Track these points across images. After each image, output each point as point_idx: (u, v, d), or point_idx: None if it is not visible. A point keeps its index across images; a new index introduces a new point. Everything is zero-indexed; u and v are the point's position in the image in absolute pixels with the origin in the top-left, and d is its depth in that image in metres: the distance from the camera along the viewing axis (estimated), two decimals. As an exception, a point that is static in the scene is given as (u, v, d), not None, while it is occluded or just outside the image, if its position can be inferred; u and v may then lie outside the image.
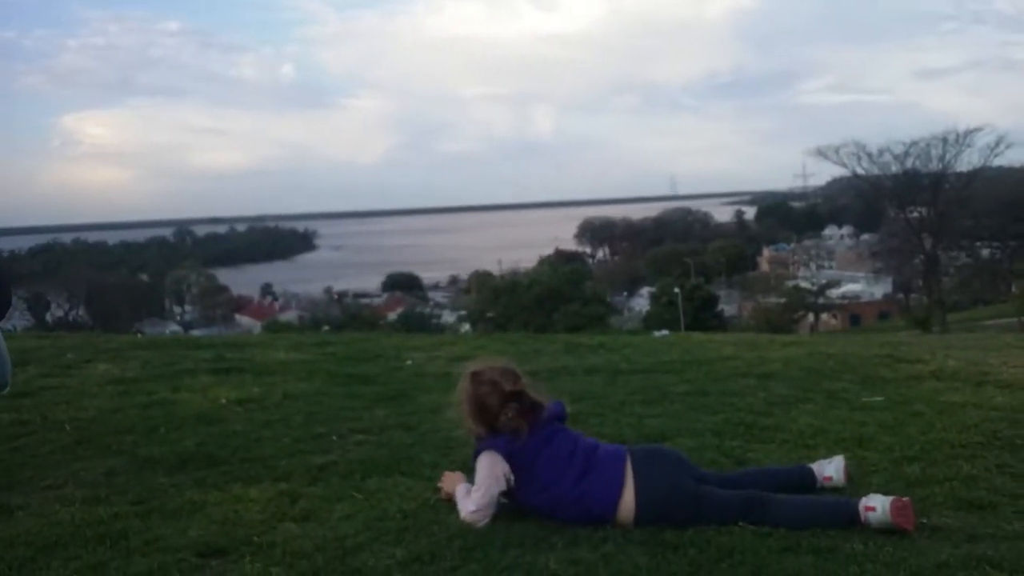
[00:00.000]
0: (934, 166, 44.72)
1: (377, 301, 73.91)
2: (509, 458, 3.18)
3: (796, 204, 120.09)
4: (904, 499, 2.94)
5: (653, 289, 56.31)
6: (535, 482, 3.16)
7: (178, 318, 72.89)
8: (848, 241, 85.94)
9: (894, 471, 3.54)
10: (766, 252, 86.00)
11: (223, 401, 5.27)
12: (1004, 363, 6.11)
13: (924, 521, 2.97)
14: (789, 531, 2.91)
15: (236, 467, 3.89)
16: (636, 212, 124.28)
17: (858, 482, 3.41)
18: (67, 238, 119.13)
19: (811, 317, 54.19)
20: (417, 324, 47.52)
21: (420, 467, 3.79)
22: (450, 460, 3.86)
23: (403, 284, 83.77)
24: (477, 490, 3.15)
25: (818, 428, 4.24)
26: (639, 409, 4.81)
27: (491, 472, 3.16)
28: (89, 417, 4.92)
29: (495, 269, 74.69)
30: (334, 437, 4.36)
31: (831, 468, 3.38)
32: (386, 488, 3.53)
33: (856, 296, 60.56)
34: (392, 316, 57.57)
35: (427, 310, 62.59)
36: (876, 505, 2.93)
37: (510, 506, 3.22)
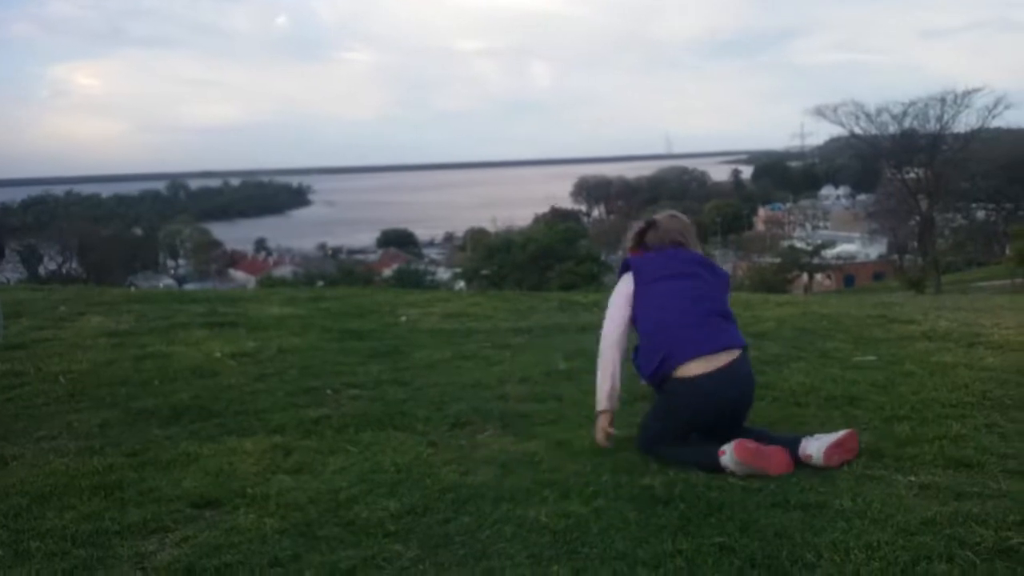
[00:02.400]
0: (932, 127, 44.45)
1: (372, 257, 73.92)
2: (635, 272, 3.55)
3: (793, 164, 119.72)
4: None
5: (648, 248, 56.15)
6: (645, 305, 3.49)
7: (172, 272, 72.81)
8: (844, 201, 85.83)
9: (884, 429, 3.57)
10: (762, 212, 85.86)
11: (217, 355, 5.27)
12: (996, 324, 6.13)
13: (912, 479, 3.01)
14: (778, 486, 2.94)
15: (230, 420, 3.90)
16: (632, 171, 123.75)
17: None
18: (59, 190, 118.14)
19: (805, 277, 54.28)
20: (411, 281, 47.48)
21: (413, 422, 3.81)
22: (443, 415, 3.89)
23: (398, 240, 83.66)
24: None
25: (810, 387, 4.26)
26: (631, 366, 4.81)
27: (617, 295, 3.59)
28: (83, 369, 4.93)
29: (490, 227, 74.50)
30: (328, 391, 4.38)
31: (813, 447, 3.20)
32: (379, 442, 3.54)
33: (851, 256, 60.65)
34: (387, 272, 57.53)
35: (422, 267, 62.49)
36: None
37: (502, 456, 3.25)
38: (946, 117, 43.73)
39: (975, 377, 4.44)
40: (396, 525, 2.72)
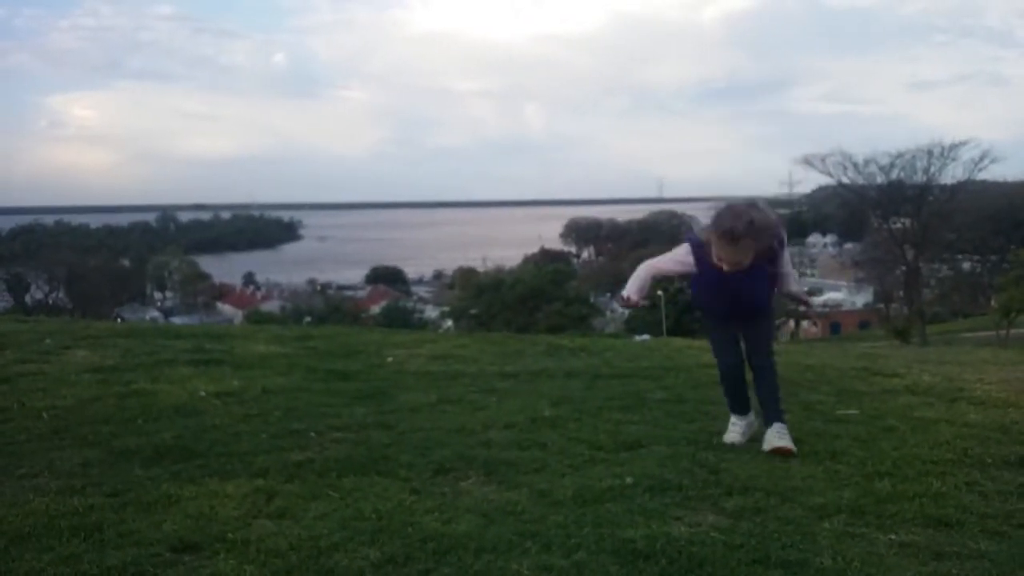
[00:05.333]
0: (919, 178, 45.01)
1: (360, 294, 73.86)
2: None
3: (781, 211, 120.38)
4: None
5: (636, 291, 56.29)
6: None
7: (159, 304, 72.57)
8: (831, 249, 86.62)
9: (865, 486, 3.59)
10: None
11: (202, 393, 5.26)
12: (979, 379, 6.18)
13: (892, 537, 3.02)
14: (759, 542, 2.95)
15: (212, 461, 3.88)
16: (622, 213, 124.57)
17: (830, 495, 3.46)
18: (49, 220, 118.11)
19: (792, 324, 54.49)
20: (400, 319, 47.51)
21: (396, 467, 3.80)
22: (427, 461, 3.88)
23: (387, 277, 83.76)
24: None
25: (793, 440, 4.27)
26: (617, 415, 4.84)
27: None
28: (66, 406, 4.90)
29: (479, 266, 74.65)
30: (312, 434, 4.36)
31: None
32: (362, 488, 3.53)
33: (837, 304, 61.03)
34: (375, 309, 57.50)
35: (410, 304, 62.44)
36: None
37: (485, 505, 3.25)
38: (933, 169, 44.34)
39: (956, 434, 4.47)
40: (376, 575, 2.71)
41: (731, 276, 4.03)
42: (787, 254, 4.28)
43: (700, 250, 4.10)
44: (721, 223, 3.93)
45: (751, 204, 4.04)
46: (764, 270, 4.11)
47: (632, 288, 4.24)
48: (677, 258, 4.25)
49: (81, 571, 2.72)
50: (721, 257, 3.98)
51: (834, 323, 56.74)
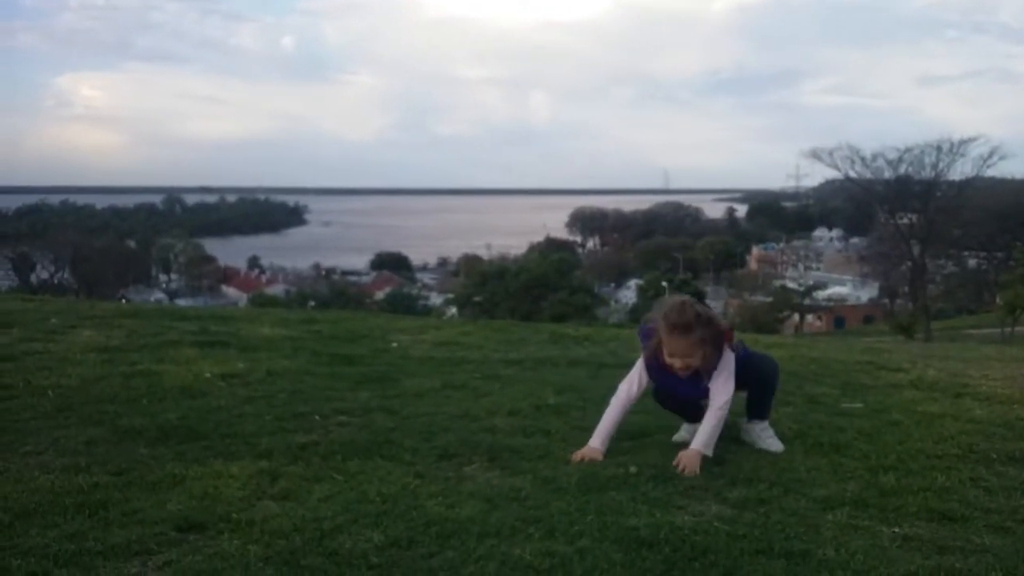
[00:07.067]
0: (927, 174, 44.88)
1: (365, 279, 73.96)
2: None
3: (788, 204, 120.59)
4: None
5: (641, 282, 56.47)
6: None
7: (164, 286, 72.71)
8: (837, 244, 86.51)
9: (869, 479, 3.58)
10: (755, 250, 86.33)
11: (207, 375, 5.26)
12: (984, 375, 6.17)
13: (896, 531, 3.02)
14: (763, 532, 2.95)
15: (217, 442, 3.89)
16: (628, 204, 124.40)
17: (834, 488, 3.46)
18: (55, 199, 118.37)
19: (796, 317, 54.46)
20: (404, 305, 47.55)
21: (400, 451, 3.81)
22: (431, 446, 3.88)
23: (391, 264, 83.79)
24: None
25: (797, 432, 4.27)
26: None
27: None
28: (72, 384, 4.91)
29: (484, 253, 74.64)
30: (316, 417, 4.37)
31: None
32: (366, 471, 3.54)
33: (842, 299, 60.99)
34: (379, 295, 57.57)
35: (414, 291, 62.50)
36: None
37: (488, 490, 3.25)
38: (941, 165, 44.21)
39: (961, 429, 4.46)
40: (380, 557, 2.71)
41: (680, 384, 3.91)
42: (728, 362, 3.88)
43: (653, 360, 3.91)
44: (670, 318, 3.79)
45: (690, 300, 3.88)
46: (702, 383, 3.91)
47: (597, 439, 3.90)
48: (637, 378, 4.00)
49: (86, 548, 2.74)
50: (673, 353, 3.82)
51: (838, 317, 56.71)
